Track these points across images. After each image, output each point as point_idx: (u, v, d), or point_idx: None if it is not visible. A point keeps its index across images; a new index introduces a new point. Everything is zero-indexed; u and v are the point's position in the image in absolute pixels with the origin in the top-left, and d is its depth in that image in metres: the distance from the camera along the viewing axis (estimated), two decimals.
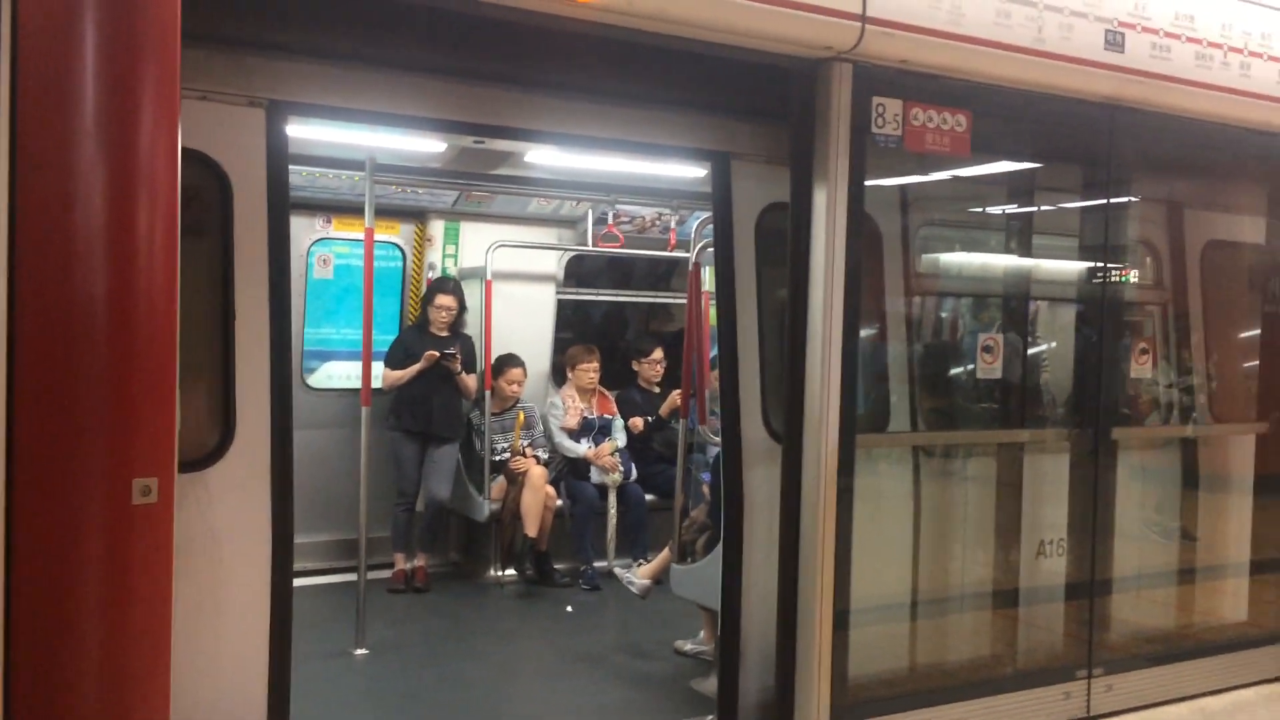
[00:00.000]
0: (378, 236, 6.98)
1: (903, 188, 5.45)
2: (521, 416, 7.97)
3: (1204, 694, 5.82)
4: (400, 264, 8.34)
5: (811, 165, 4.64)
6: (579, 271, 8.88)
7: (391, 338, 7.87)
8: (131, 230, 2.90)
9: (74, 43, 2.86)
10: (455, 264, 8.35)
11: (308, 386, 7.95)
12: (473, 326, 7.96)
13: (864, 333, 4.93)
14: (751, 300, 5.11)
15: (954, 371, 6.68)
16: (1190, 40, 5.29)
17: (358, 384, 6.80)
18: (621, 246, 8.34)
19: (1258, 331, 6.54)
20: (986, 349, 6.51)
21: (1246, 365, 6.74)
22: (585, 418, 8.11)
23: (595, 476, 7.96)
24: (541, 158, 6.87)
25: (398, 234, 8.25)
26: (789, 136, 4.72)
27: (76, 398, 2.85)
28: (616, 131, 5.01)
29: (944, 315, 7.06)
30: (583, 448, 8.00)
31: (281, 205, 4.06)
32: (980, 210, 6.18)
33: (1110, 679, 5.53)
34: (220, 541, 3.83)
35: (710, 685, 5.38)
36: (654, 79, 4.74)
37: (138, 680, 2.88)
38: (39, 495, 2.84)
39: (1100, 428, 5.57)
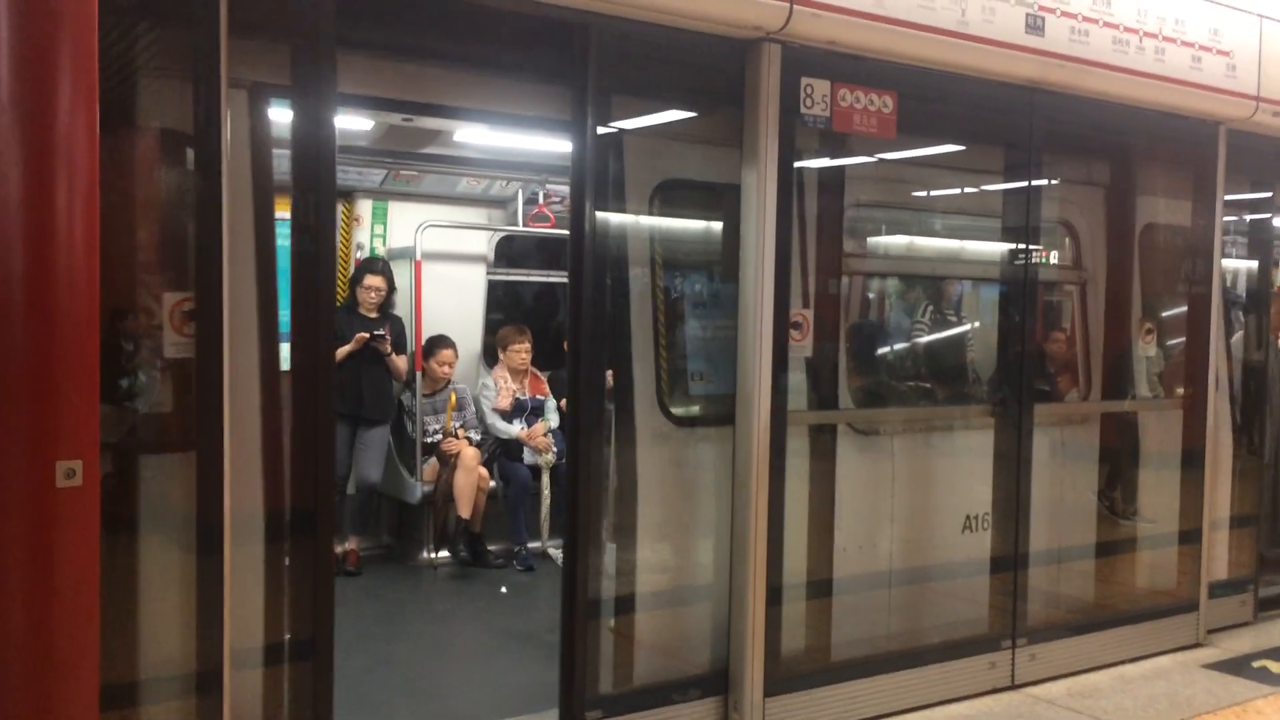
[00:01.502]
0: None
1: (831, 168, 5.50)
2: (453, 398, 7.92)
3: (1123, 661, 6.02)
4: None
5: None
6: (509, 252, 8.84)
7: None
8: (50, 207, 2.82)
9: None
10: (384, 244, 8.25)
11: None
12: (402, 307, 7.88)
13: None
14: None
15: (881, 351, 6.80)
16: (1108, 25, 5.43)
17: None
18: (552, 227, 8.31)
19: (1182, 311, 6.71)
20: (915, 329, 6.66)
21: (1172, 344, 6.93)
22: (517, 398, 8.09)
23: (528, 457, 7.95)
24: (471, 136, 6.80)
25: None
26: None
27: None
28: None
29: (870, 295, 7.18)
30: (515, 429, 7.98)
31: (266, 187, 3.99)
32: (907, 191, 6.27)
33: (1034, 648, 5.69)
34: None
35: None
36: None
37: (64, 665, 2.82)
38: None
39: (1023, 404, 5.70)
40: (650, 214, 4.94)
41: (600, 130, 4.45)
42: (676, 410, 4.96)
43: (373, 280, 7.56)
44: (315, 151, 3.87)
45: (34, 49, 2.81)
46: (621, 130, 4.68)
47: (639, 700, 4.65)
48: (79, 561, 2.85)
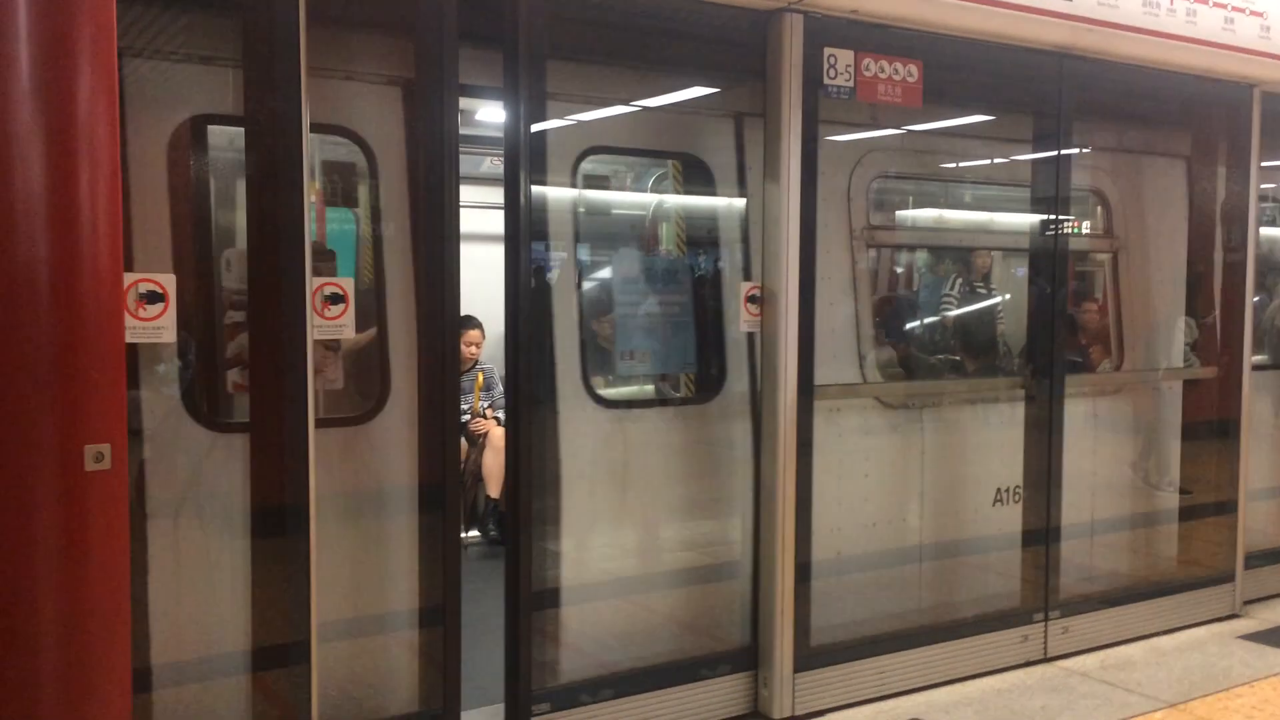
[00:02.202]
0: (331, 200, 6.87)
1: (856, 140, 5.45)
2: (481, 378, 7.93)
3: (1158, 633, 5.97)
4: (354, 227, 8.22)
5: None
6: None
7: None
8: (73, 192, 2.83)
9: (5, 2, 2.78)
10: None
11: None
12: None
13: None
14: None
15: (910, 324, 6.75)
16: None
17: None
18: None
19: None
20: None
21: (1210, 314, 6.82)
22: None
23: None
24: (492, 116, 6.77)
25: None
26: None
27: (23, 365, 2.79)
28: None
29: (898, 269, 7.12)
30: None
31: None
32: (934, 162, 6.19)
33: (1066, 621, 5.66)
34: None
35: None
36: None
37: (97, 646, 2.85)
38: None
39: (1054, 376, 5.64)
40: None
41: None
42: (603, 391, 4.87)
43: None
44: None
45: (53, 35, 2.82)
46: None
47: (667, 676, 4.64)
48: (110, 544, 2.87)
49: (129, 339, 3.33)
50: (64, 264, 2.81)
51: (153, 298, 3.39)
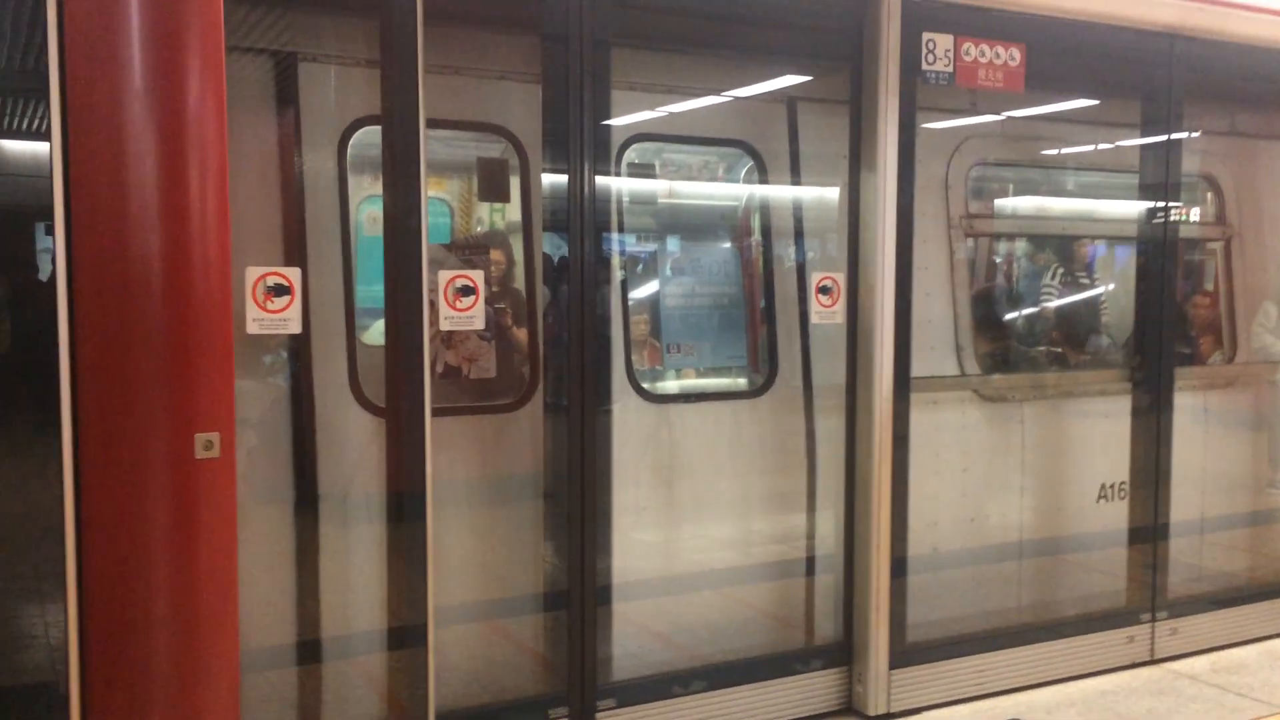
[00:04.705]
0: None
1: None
2: None
3: (1272, 636, 5.73)
4: (448, 220, 8.33)
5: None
6: None
7: None
8: (184, 188, 2.92)
9: (117, 2, 2.87)
10: (503, 219, 8.32)
11: (362, 344, 8.01)
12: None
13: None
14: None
15: (1009, 316, 6.58)
16: None
17: None
18: None
19: None
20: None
21: None
22: None
23: None
24: None
25: (444, 190, 8.23)
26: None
27: (136, 356, 2.89)
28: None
29: (998, 259, 6.94)
30: None
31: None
32: (1035, 149, 6.03)
33: (1175, 622, 5.47)
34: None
35: None
36: None
37: (208, 627, 2.94)
38: (105, 452, 2.90)
39: (1162, 368, 5.45)
40: None
41: None
42: None
43: (493, 255, 7.64)
44: None
45: (164, 34, 2.90)
46: None
47: (758, 670, 4.62)
48: (219, 529, 2.96)
49: (255, 330, 3.43)
50: (175, 257, 2.91)
51: (279, 290, 3.47)
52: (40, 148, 2.99)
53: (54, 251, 2.93)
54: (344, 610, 4.04)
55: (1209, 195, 6.47)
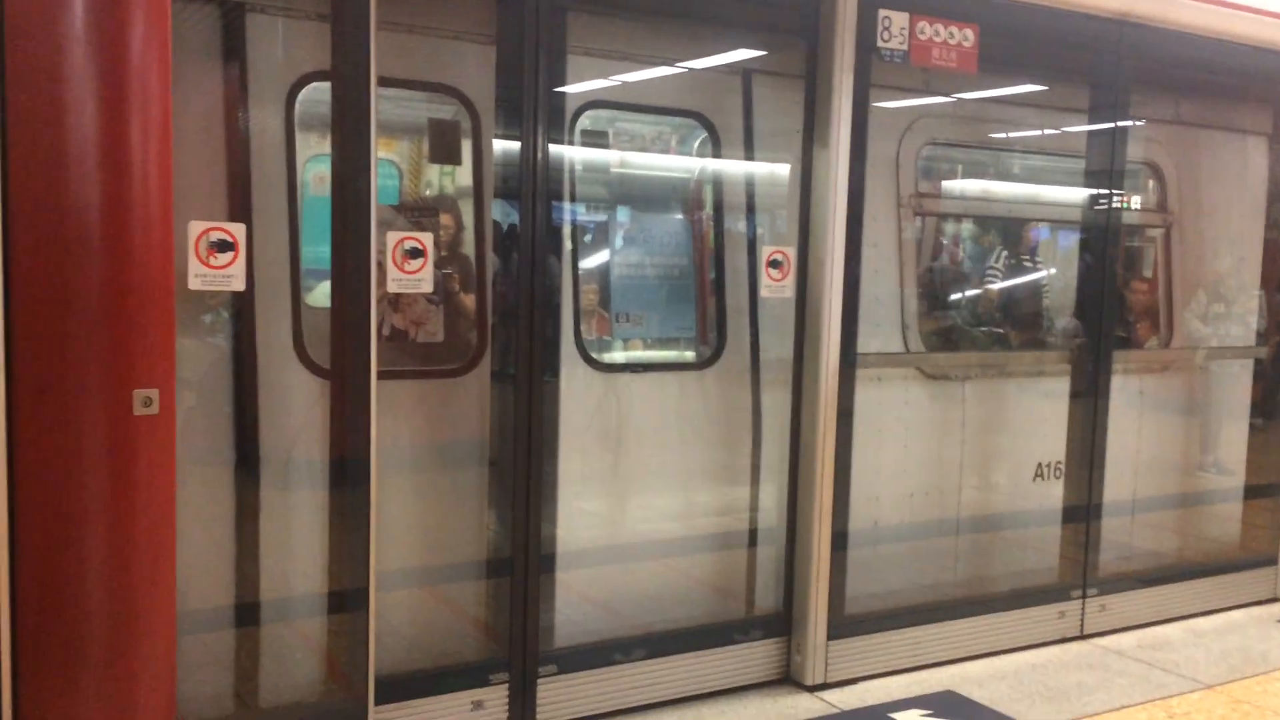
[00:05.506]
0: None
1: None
2: None
3: (1196, 614, 5.90)
4: (397, 182, 8.20)
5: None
6: None
7: None
8: (125, 137, 2.84)
9: None
10: (453, 182, 8.22)
11: (307, 305, 7.89)
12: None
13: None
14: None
15: (953, 295, 6.66)
16: None
17: None
18: None
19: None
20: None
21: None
22: None
23: None
24: None
25: (394, 151, 8.10)
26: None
27: (73, 309, 2.83)
28: None
29: (944, 240, 7.01)
30: None
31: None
32: (986, 130, 6.09)
33: (1104, 599, 5.60)
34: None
35: None
36: None
37: (143, 587, 2.90)
38: (41, 406, 2.83)
39: (1100, 351, 5.56)
40: None
41: None
42: None
43: (442, 219, 7.56)
44: None
45: None
46: None
47: (699, 639, 4.65)
48: (157, 487, 2.91)
49: (197, 286, 3.35)
50: (115, 209, 2.84)
51: (223, 246, 3.40)
52: None
53: None
54: (284, 573, 3.99)
55: (1151, 183, 6.58)
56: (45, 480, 2.83)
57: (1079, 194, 5.80)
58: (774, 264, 4.68)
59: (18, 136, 2.81)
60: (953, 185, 6.47)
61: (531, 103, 4.07)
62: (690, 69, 4.99)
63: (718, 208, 5.22)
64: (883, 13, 4.59)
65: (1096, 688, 4.91)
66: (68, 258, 2.83)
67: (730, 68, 4.97)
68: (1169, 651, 5.39)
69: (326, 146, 3.93)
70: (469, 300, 4.52)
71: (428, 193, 8.32)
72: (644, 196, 5.88)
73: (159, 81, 2.91)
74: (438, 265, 7.65)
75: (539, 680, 4.23)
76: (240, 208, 3.84)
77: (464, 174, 5.01)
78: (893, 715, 4.52)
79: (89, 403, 2.83)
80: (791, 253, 4.70)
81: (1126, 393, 5.99)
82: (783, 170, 4.93)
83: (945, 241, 6.99)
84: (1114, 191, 5.55)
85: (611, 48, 4.73)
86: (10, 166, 2.81)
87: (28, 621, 2.86)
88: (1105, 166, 5.54)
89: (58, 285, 2.83)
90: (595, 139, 5.31)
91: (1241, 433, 6.59)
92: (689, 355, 5.31)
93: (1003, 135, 6.24)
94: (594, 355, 4.78)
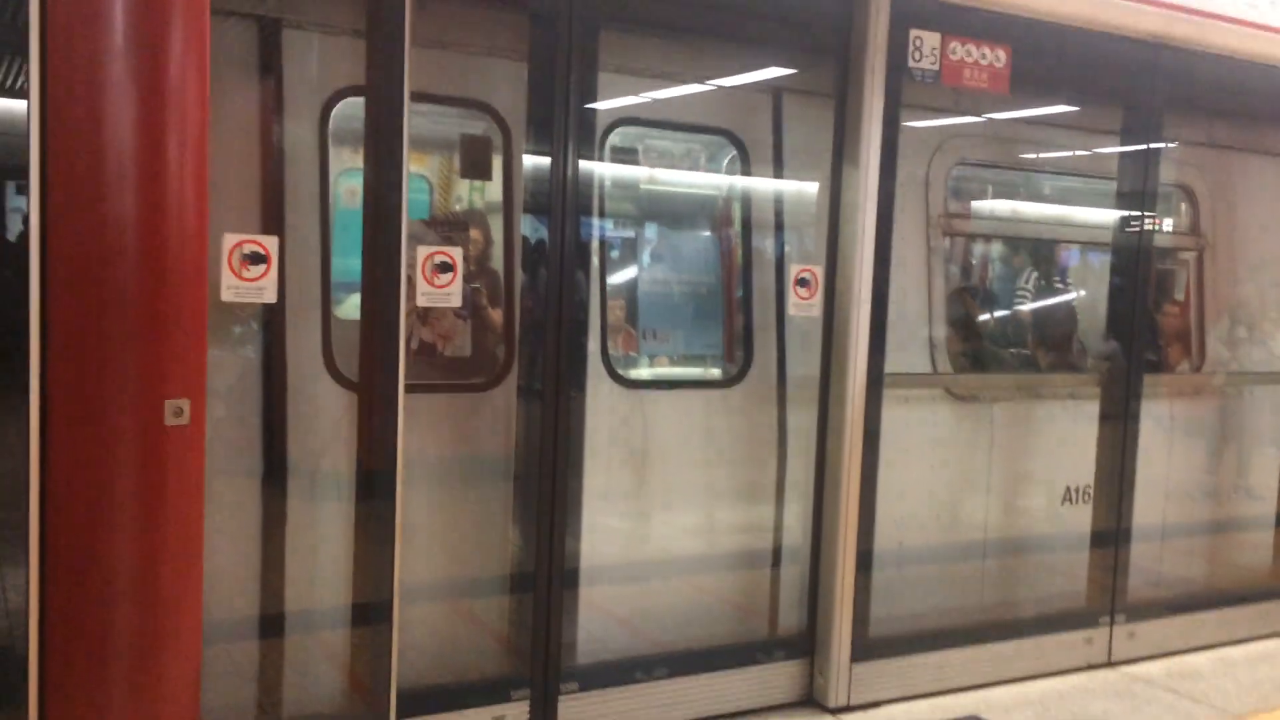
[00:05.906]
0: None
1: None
2: None
3: (1227, 643, 5.81)
4: (428, 197, 8.25)
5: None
6: None
7: None
8: (162, 150, 2.88)
9: None
10: (483, 197, 8.26)
11: (337, 318, 7.94)
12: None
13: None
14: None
15: (982, 317, 6.62)
16: None
17: None
18: None
19: None
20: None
21: None
22: None
23: None
24: None
25: (425, 166, 8.15)
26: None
27: (108, 319, 2.85)
28: None
29: (974, 261, 6.98)
30: None
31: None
32: (1015, 151, 6.06)
33: (1133, 626, 5.53)
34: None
35: None
36: None
37: (170, 597, 2.91)
38: (73, 416, 2.86)
39: (1131, 375, 5.51)
40: None
41: None
42: None
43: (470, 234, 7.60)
44: None
45: None
46: None
47: (721, 659, 4.63)
48: (186, 498, 2.93)
49: (230, 298, 3.38)
50: (151, 220, 2.87)
51: (256, 259, 3.43)
52: (13, 105, 2.93)
53: (27, 212, 2.88)
54: (309, 585, 4.01)
55: (1184, 206, 6.53)
56: (76, 489, 2.85)
57: (1111, 216, 5.76)
58: (802, 282, 4.67)
59: (58, 148, 2.84)
60: (983, 205, 6.45)
61: (562, 119, 4.09)
62: (721, 87, 5.00)
63: (746, 225, 5.21)
64: (914, 33, 4.59)
65: (1123, 717, 4.85)
66: (104, 267, 2.86)
67: (761, 86, 4.98)
68: (1198, 681, 5.31)
69: (359, 161, 3.99)
70: (496, 315, 4.54)
71: (458, 207, 8.37)
72: (672, 213, 5.89)
73: (197, 95, 2.94)
74: (466, 280, 7.71)
75: (560, 697, 4.22)
76: (273, 220, 3.88)
77: (494, 189, 5.05)
78: None
79: (121, 412, 2.85)
80: (819, 271, 4.69)
81: (1157, 417, 5.92)
82: (811, 188, 4.92)
83: (975, 262, 6.96)
84: (1146, 214, 5.50)
85: (643, 65, 4.75)
86: (50, 178, 2.84)
87: (56, 629, 2.88)
88: (1138, 188, 5.50)
89: (94, 294, 2.86)
90: (625, 156, 5.33)
91: (1274, 459, 6.51)
92: (715, 372, 5.30)
93: (1034, 156, 6.21)
94: (620, 371, 4.78)
